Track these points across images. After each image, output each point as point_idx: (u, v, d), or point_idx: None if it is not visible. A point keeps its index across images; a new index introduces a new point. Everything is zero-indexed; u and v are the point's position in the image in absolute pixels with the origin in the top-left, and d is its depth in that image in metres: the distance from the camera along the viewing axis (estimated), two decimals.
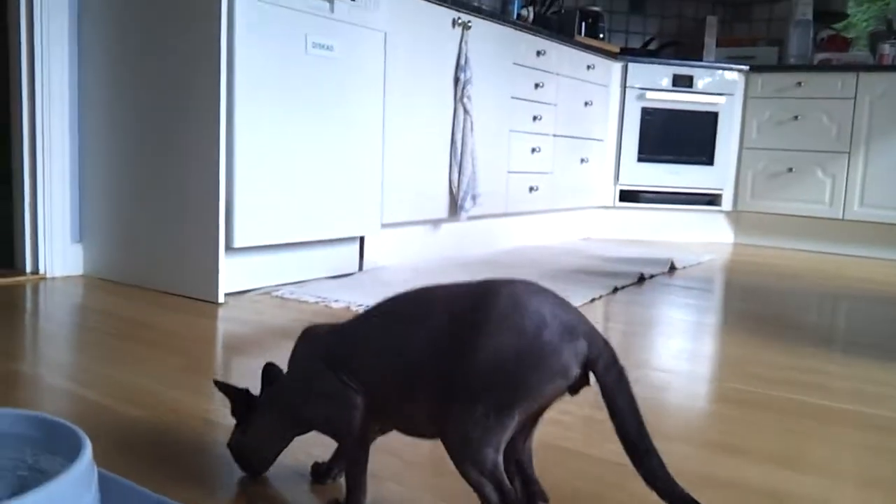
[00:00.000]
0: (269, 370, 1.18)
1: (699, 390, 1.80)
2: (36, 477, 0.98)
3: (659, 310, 2.75)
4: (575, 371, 0.91)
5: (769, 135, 4.80)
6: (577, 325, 0.92)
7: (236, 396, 1.15)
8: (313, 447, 1.25)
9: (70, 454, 0.98)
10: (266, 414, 1.13)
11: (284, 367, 1.15)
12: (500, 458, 0.92)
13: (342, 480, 1.16)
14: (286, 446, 1.15)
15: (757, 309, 2.84)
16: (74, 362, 1.83)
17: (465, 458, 0.92)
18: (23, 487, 0.95)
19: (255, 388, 1.19)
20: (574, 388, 0.93)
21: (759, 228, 4.88)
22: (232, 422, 1.18)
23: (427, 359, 0.94)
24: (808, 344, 2.30)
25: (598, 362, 0.91)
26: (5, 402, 1.50)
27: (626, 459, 0.91)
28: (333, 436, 1.08)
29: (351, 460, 1.06)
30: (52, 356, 1.92)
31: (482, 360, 0.90)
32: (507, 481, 0.92)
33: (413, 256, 3.41)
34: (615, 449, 0.93)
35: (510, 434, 0.92)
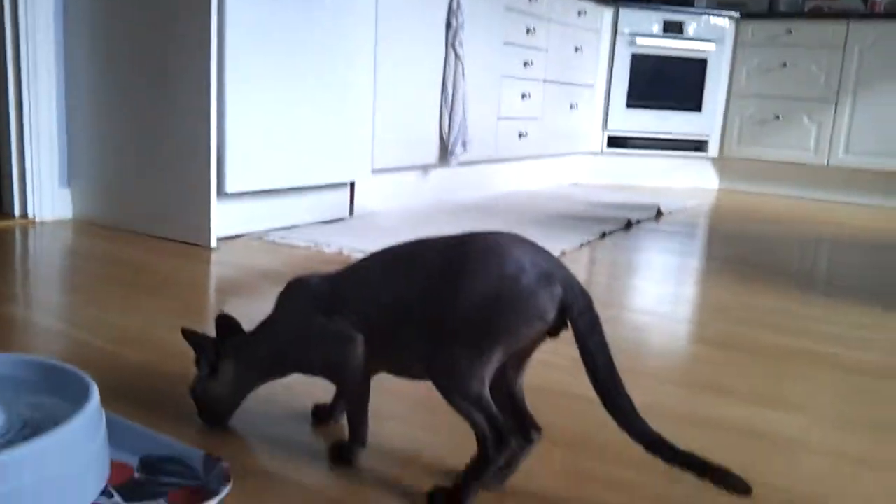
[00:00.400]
0: (226, 321, 1.17)
1: (683, 332, 1.84)
2: (42, 421, 1.01)
3: (645, 255, 2.79)
4: (551, 314, 0.96)
5: (758, 82, 4.79)
6: (554, 272, 0.97)
7: (205, 346, 1.15)
8: (316, 389, 1.28)
9: (76, 398, 1.00)
10: (233, 363, 1.14)
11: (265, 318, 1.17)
12: (486, 390, 0.98)
13: (343, 422, 1.20)
14: (247, 395, 1.17)
15: (741, 254, 2.89)
16: (68, 305, 1.84)
17: (452, 390, 0.97)
18: (31, 432, 0.97)
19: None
20: (553, 331, 0.98)
21: (744, 174, 4.92)
22: None
23: (417, 301, 0.99)
24: (791, 288, 2.35)
25: (573, 307, 0.97)
26: (1, 345, 1.51)
27: None
28: (334, 378, 1.11)
29: (352, 400, 1.09)
30: (46, 299, 1.93)
31: (465, 302, 0.95)
32: (494, 408, 0.98)
33: (403, 202, 3.41)
34: None
35: (493, 368, 0.98)
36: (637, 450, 0.94)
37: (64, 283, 2.09)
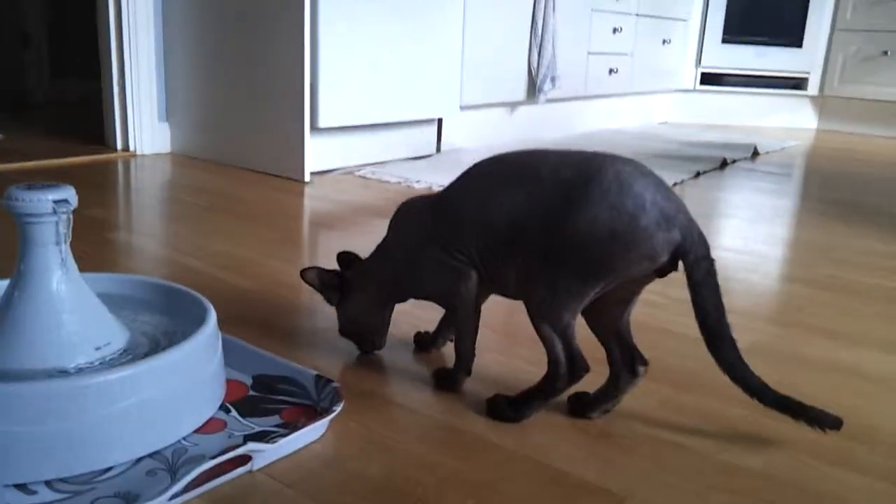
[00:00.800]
0: (346, 257, 1.20)
1: (789, 274, 1.79)
2: (162, 340, 1.05)
3: (743, 195, 2.70)
4: (663, 258, 0.94)
5: (865, 15, 4.50)
6: (674, 216, 0.93)
7: (327, 280, 1.16)
8: (417, 320, 1.30)
9: (194, 319, 1.04)
10: (361, 289, 1.16)
11: (362, 251, 1.18)
12: (574, 322, 0.98)
13: (444, 350, 1.21)
14: (389, 318, 1.19)
15: (842, 196, 2.76)
16: (174, 234, 1.91)
17: (542, 316, 0.97)
18: (154, 349, 1.02)
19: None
20: (661, 272, 0.96)
21: (845, 114, 4.67)
22: None
23: (528, 220, 0.97)
24: (894, 230, 2.24)
25: (688, 254, 0.94)
26: (115, 268, 1.58)
27: None
28: (446, 306, 1.12)
29: (463, 329, 1.09)
30: (151, 227, 2.01)
31: (577, 231, 0.93)
32: (576, 340, 0.99)
33: (490, 139, 3.38)
34: None
35: (587, 302, 0.96)
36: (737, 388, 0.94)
37: (166, 213, 2.16)
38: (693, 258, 0.93)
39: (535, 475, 0.91)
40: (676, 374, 1.17)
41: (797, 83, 4.68)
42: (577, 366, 0.99)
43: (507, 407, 1.02)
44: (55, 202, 0.95)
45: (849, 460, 0.96)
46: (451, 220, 1.06)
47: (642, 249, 0.92)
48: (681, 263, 0.95)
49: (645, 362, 1.03)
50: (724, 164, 3.13)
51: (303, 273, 1.16)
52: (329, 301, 1.18)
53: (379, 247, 1.16)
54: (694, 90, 4.73)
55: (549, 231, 0.95)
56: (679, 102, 4.79)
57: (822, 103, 4.74)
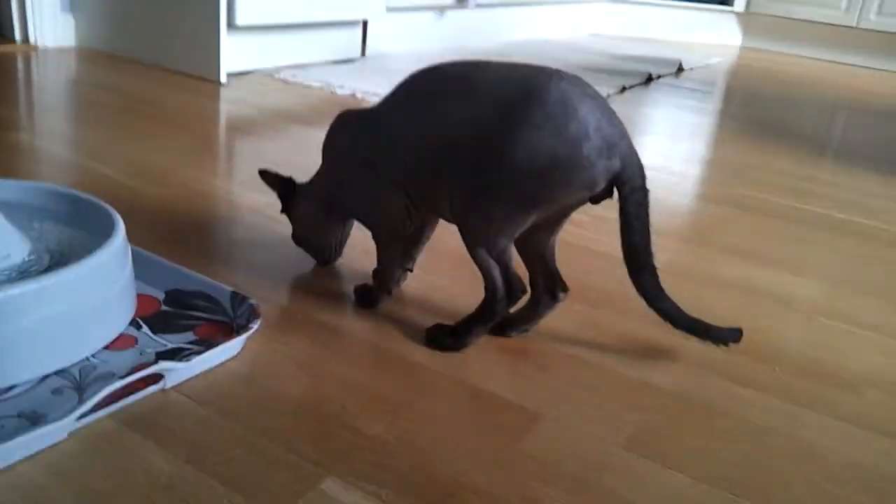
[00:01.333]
0: (287, 184, 1.15)
1: (706, 193, 1.83)
2: (68, 252, 1.00)
3: (666, 111, 2.73)
4: (601, 186, 0.92)
5: None
6: (617, 143, 0.90)
7: (279, 186, 1.14)
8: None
9: (101, 230, 0.99)
10: (305, 203, 1.13)
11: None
12: (511, 247, 0.97)
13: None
14: (340, 234, 1.16)
15: (763, 116, 2.82)
16: (81, 136, 1.80)
17: (478, 243, 0.95)
18: (58, 262, 0.97)
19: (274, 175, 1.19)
20: (596, 199, 0.94)
21: (770, 33, 4.72)
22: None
23: (460, 139, 0.92)
24: (813, 154, 2.31)
25: (625, 184, 0.92)
26: (15, 173, 1.49)
27: None
28: (368, 226, 1.09)
29: (383, 250, 1.08)
30: (55, 128, 1.89)
31: (516, 157, 0.89)
32: (512, 265, 0.98)
33: (416, 45, 3.29)
34: None
35: (523, 228, 0.95)
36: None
37: (72, 113, 2.04)
38: (629, 188, 0.92)
39: (453, 393, 0.92)
40: (595, 293, 1.19)
41: None
42: (515, 288, 0.98)
43: (448, 336, 1.00)
44: None
45: (752, 379, 1.01)
46: (380, 136, 1.02)
47: (583, 178, 0.89)
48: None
49: (565, 288, 1.04)
50: (649, 79, 3.14)
51: (261, 173, 1.14)
52: (283, 211, 1.16)
53: (322, 162, 1.12)
54: (624, 1, 4.69)
55: (483, 153, 0.91)
56: (609, 13, 4.75)
57: (748, 20, 4.77)
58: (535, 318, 1.05)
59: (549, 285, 1.03)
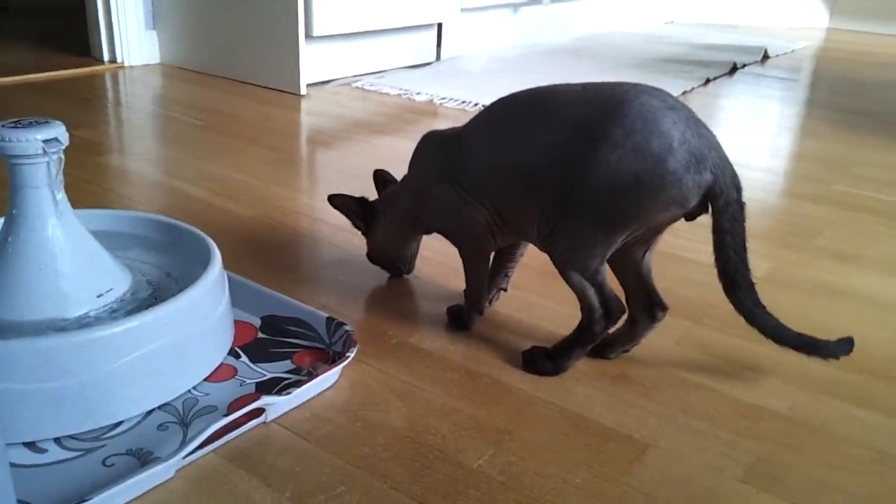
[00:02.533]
0: (381, 176, 1.19)
1: (803, 191, 1.74)
2: (166, 282, 1.01)
3: (753, 102, 2.62)
4: (693, 202, 0.87)
5: None
6: (706, 155, 0.85)
7: (354, 208, 1.15)
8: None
9: (197, 258, 1.00)
10: (386, 219, 1.13)
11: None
12: (603, 267, 0.93)
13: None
14: (417, 245, 1.17)
15: (856, 103, 2.68)
16: (169, 156, 1.84)
17: (569, 265, 0.92)
18: (157, 293, 0.98)
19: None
20: (690, 216, 0.89)
21: (857, 12, 4.50)
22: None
23: (546, 166, 0.90)
24: None
25: (719, 198, 0.87)
26: (107, 196, 1.53)
27: None
28: (456, 244, 1.07)
29: (470, 269, 1.06)
30: (146, 149, 1.94)
31: (599, 178, 0.86)
32: (608, 284, 0.94)
33: (492, 44, 3.26)
34: None
35: (615, 247, 0.91)
36: None
37: (158, 132, 2.08)
38: (723, 202, 0.87)
39: (555, 421, 0.89)
40: (694, 307, 1.14)
41: None
42: (612, 308, 0.94)
43: (545, 360, 0.97)
44: (45, 142, 0.89)
45: (873, 401, 0.95)
46: (463, 161, 1.01)
47: (671, 195, 0.85)
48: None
49: (664, 307, 0.99)
50: (734, 68, 3.03)
51: (331, 199, 1.15)
52: (356, 227, 1.17)
53: (404, 177, 1.13)
54: None
55: (565, 176, 0.88)
56: (687, 0, 4.61)
57: (834, 1, 4.56)
58: (635, 339, 1.01)
59: (647, 304, 0.99)
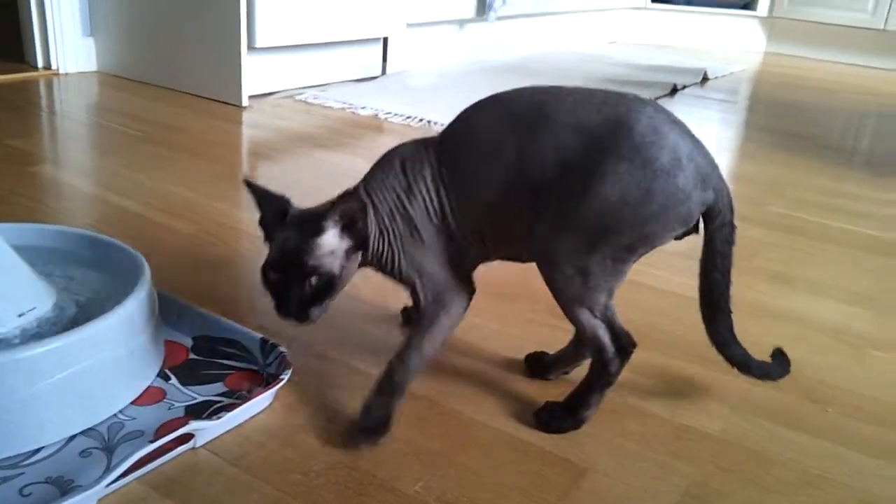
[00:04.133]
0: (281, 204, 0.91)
1: (741, 213, 1.76)
2: (92, 300, 0.98)
3: (693, 124, 2.65)
4: (695, 220, 0.83)
5: None
6: (710, 174, 0.82)
7: (271, 204, 0.90)
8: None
9: (126, 275, 0.96)
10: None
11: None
12: (612, 302, 0.88)
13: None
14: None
15: (792, 127, 2.75)
16: (104, 167, 1.79)
17: (578, 302, 0.86)
18: (83, 313, 0.94)
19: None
20: (681, 235, 0.85)
21: (794, 37, 4.64)
22: None
23: (550, 176, 0.82)
24: (850, 166, 2.25)
25: (716, 218, 0.84)
26: (38, 209, 1.47)
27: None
28: (419, 298, 0.92)
29: (426, 342, 0.90)
30: (80, 160, 1.88)
31: (608, 195, 0.79)
32: (618, 320, 0.89)
33: (438, 60, 3.26)
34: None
35: (622, 280, 0.85)
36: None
37: (94, 142, 2.02)
38: (719, 222, 0.85)
39: (493, 445, 0.88)
40: (635, 330, 1.14)
41: (746, 3, 4.62)
42: (625, 344, 0.88)
43: (565, 415, 0.90)
44: None
45: (803, 422, 0.96)
46: (455, 180, 0.88)
47: (679, 212, 0.81)
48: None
49: (633, 344, 0.95)
50: (674, 90, 3.09)
51: (248, 182, 0.92)
52: (261, 225, 0.92)
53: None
54: (644, 7, 4.63)
55: (571, 194, 0.81)
56: (628, 20, 4.70)
57: (772, 25, 4.70)
58: (577, 361, 1.00)
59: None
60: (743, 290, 1.31)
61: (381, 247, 0.91)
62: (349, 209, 0.86)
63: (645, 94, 2.87)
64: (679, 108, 2.88)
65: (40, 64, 2.62)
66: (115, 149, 1.91)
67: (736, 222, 0.88)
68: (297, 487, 0.78)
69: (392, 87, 2.75)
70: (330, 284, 0.87)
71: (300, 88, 2.61)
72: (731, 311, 0.90)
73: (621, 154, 0.79)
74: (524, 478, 0.83)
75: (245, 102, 2.35)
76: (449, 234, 0.90)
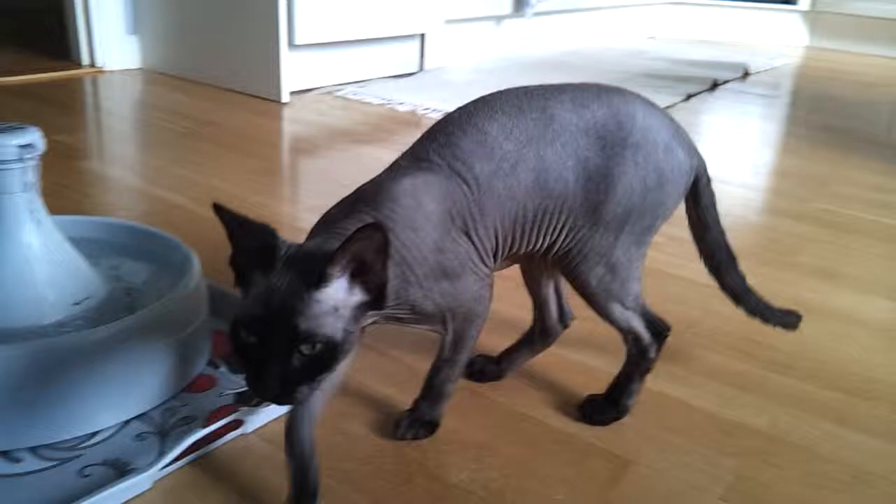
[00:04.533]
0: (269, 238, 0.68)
1: (783, 208, 1.75)
2: (144, 290, 1.00)
3: (733, 119, 2.64)
4: (688, 188, 0.87)
5: None
6: (691, 141, 0.86)
7: (251, 237, 0.68)
8: None
9: (177, 268, 0.99)
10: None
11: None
12: (640, 288, 0.87)
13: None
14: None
15: (834, 122, 2.71)
16: (149, 162, 1.82)
17: (609, 299, 0.85)
18: (134, 302, 0.97)
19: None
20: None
21: (836, 31, 4.56)
22: None
23: (570, 178, 0.79)
24: (894, 161, 2.21)
25: (701, 180, 0.88)
26: (86, 203, 1.51)
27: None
28: (454, 327, 0.81)
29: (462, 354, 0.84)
30: (125, 155, 1.92)
31: (632, 186, 0.80)
32: (650, 309, 0.89)
33: (475, 56, 3.26)
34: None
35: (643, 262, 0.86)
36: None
37: (138, 138, 2.06)
38: (704, 182, 0.88)
39: (536, 437, 0.89)
40: (676, 324, 1.14)
41: None
42: (660, 329, 0.89)
43: (608, 406, 0.91)
44: (20, 147, 0.88)
45: (851, 418, 0.95)
46: (474, 194, 0.78)
47: (684, 183, 0.85)
48: None
49: (572, 316, 0.98)
50: (714, 85, 3.05)
51: (217, 207, 0.69)
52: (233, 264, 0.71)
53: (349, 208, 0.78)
54: (683, 2, 4.59)
55: (597, 194, 0.80)
56: (667, 15, 4.66)
57: (814, 19, 4.63)
58: (544, 347, 0.99)
59: (560, 312, 0.98)
60: (787, 287, 1.31)
61: (400, 294, 0.74)
62: (364, 248, 0.64)
63: (684, 88, 2.86)
64: (719, 103, 2.85)
65: (85, 61, 2.68)
66: (159, 144, 1.95)
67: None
68: (346, 474, 0.80)
69: (430, 83, 2.76)
70: (329, 355, 0.64)
71: (339, 84, 2.63)
72: (735, 258, 0.92)
73: (634, 143, 0.81)
74: (568, 469, 0.83)
75: (285, 98, 2.38)
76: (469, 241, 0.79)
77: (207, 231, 1.38)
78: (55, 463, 0.78)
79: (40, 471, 0.77)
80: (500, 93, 0.83)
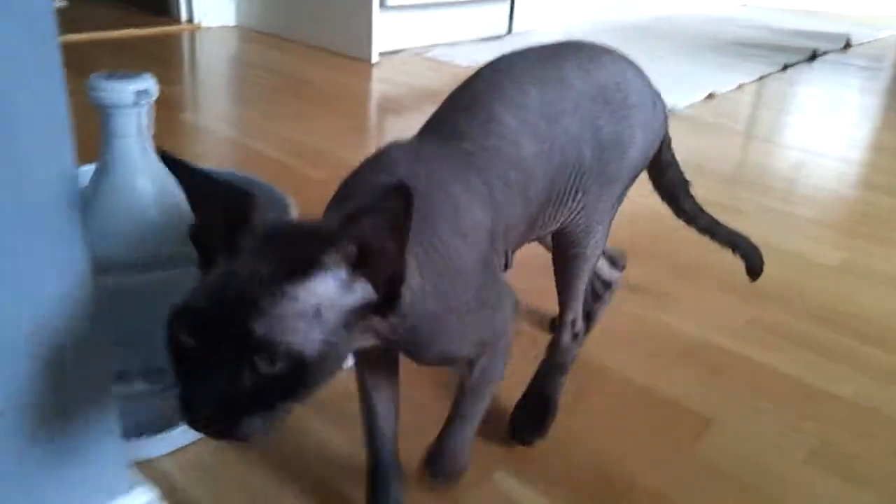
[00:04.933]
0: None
1: (880, 183, 1.69)
2: None
3: (832, 91, 2.54)
4: None
5: None
6: (658, 90, 0.82)
7: (224, 203, 0.50)
8: None
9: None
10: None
11: None
12: None
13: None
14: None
15: None
16: (242, 115, 1.88)
17: (591, 261, 0.80)
18: None
19: None
20: None
21: None
22: None
23: (590, 157, 0.73)
24: None
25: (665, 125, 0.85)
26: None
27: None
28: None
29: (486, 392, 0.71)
30: (220, 108, 1.98)
31: (640, 144, 0.78)
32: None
33: (564, 20, 3.22)
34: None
35: None
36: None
37: (235, 93, 2.13)
38: (666, 132, 0.86)
39: (622, 391, 0.90)
40: (762, 291, 1.13)
41: None
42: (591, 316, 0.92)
43: (534, 419, 0.82)
44: (136, 93, 0.92)
45: None
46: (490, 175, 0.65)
47: (664, 128, 0.84)
48: None
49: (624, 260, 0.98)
50: (813, 55, 2.94)
51: (163, 153, 0.54)
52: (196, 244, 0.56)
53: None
54: None
55: (611, 159, 0.75)
56: None
57: None
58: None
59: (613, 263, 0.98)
60: (880, 261, 1.28)
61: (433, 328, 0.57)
62: (378, 224, 0.47)
63: (781, 58, 2.77)
64: (818, 74, 2.75)
65: (183, 18, 2.77)
66: (252, 98, 2.01)
67: None
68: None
69: (518, 46, 2.73)
70: (295, 375, 0.46)
71: (428, 46, 2.64)
72: (688, 182, 0.90)
73: (633, 104, 0.76)
74: (651, 423, 0.85)
75: (375, 59, 2.41)
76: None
77: (298, 182, 1.44)
78: (164, 386, 0.83)
79: (150, 393, 0.82)
80: (513, 59, 0.76)
